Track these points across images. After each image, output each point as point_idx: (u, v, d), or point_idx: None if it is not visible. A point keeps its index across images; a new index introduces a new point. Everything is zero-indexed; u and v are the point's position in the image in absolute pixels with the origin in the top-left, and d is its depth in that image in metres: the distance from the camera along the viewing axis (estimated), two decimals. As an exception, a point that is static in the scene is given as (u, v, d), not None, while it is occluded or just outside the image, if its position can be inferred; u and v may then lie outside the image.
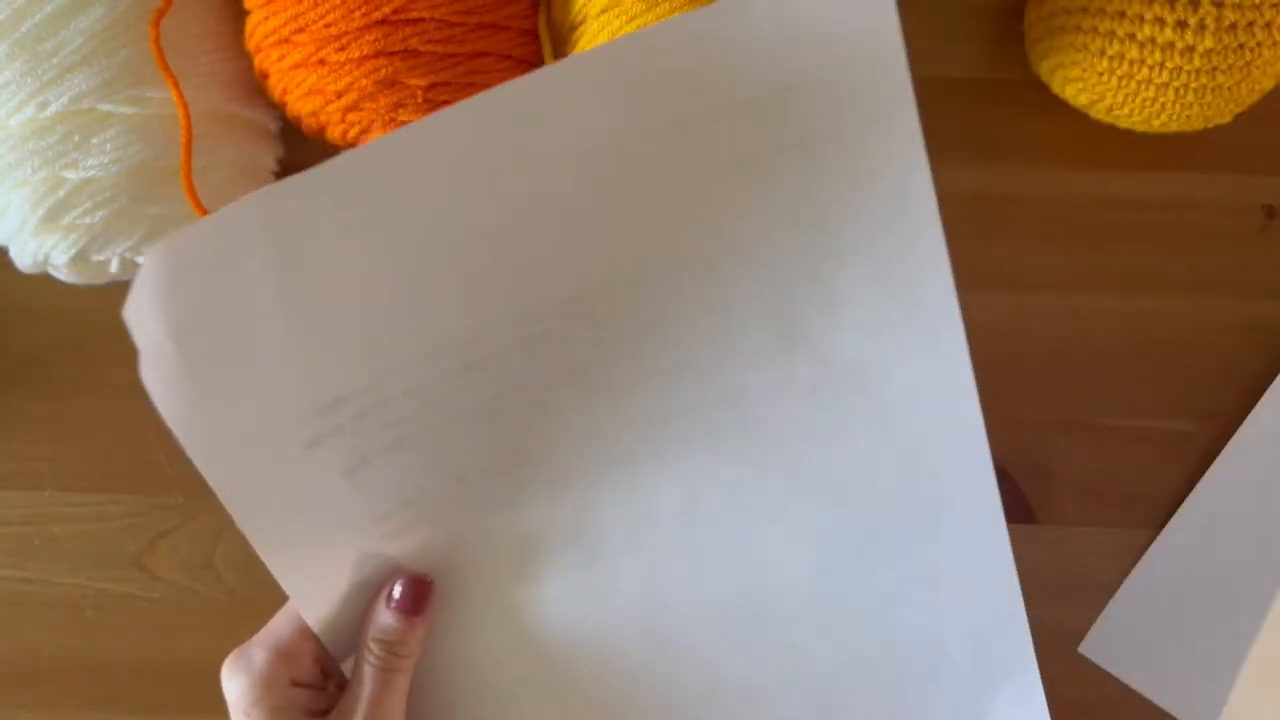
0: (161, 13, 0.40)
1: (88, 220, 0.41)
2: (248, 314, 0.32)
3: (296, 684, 0.36)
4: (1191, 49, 0.40)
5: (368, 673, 0.36)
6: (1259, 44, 0.40)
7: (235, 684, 0.35)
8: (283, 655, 0.36)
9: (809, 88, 0.33)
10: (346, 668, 0.38)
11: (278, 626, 0.37)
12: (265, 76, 0.43)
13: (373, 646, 0.36)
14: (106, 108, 0.40)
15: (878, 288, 0.36)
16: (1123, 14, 0.41)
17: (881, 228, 0.35)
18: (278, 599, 0.47)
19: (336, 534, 0.36)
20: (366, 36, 0.39)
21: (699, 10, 0.31)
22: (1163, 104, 0.42)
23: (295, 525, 0.36)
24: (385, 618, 0.36)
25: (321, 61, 0.40)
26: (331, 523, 0.36)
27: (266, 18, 0.41)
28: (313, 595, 0.37)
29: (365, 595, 0.37)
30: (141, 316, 0.31)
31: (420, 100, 0.41)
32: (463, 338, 0.35)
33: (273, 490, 0.35)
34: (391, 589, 0.37)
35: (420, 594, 0.36)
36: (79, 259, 0.43)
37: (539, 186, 0.33)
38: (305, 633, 0.37)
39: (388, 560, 0.37)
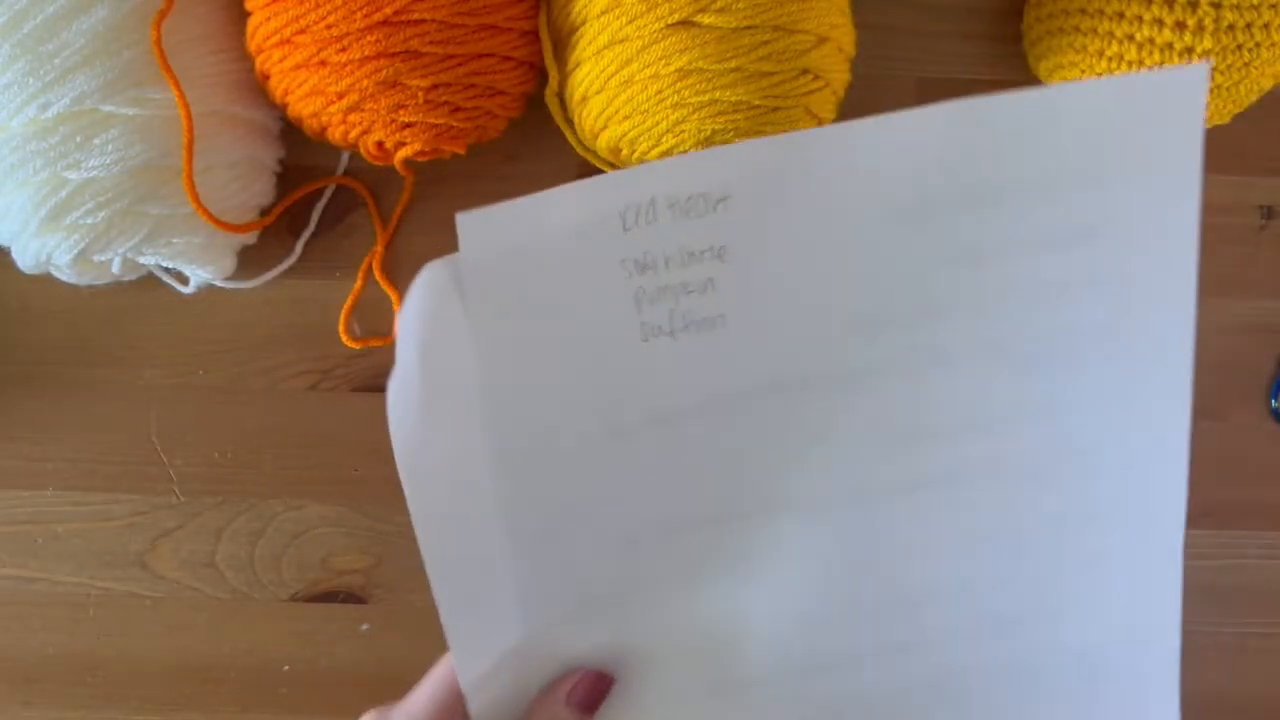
0: (163, 14, 0.41)
1: (90, 221, 0.41)
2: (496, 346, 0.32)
3: None
4: (1190, 50, 0.40)
5: None
6: (1257, 45, 0.40)
7: None
8: None
9: (1100, 179, 0.32)
10: None
11: (420, 699, 0.35)
12: (267, 77, 0.43)
13: None
14: (108, 108, 0.41)
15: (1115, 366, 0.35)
16: (1121, 15, 0.41)
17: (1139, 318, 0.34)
18: (278, 599, 0.48)
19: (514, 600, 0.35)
20: (368, 38, 0.40)
21: (1013, 94, 0.32)
22: (1161, 105, 0.42)
23: (480, 577, 0.35)
24: (558, 710, 0.35)
25: (323, 63, 0.40)
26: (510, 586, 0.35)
27: (268, 19, 0.41)
28: (473, 654, 0.35)
29: (524, 677, 0.36)
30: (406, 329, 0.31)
31: (421, 101, 0.41)
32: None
33: (467, 538, 0.34)
34: (573, 682, 0.35)
35: (600, 691, 0.36)
36: (81, 259, 0.43)
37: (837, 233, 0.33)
38: (449, 708, 0.35)
39: (555, 653, 0.36)
